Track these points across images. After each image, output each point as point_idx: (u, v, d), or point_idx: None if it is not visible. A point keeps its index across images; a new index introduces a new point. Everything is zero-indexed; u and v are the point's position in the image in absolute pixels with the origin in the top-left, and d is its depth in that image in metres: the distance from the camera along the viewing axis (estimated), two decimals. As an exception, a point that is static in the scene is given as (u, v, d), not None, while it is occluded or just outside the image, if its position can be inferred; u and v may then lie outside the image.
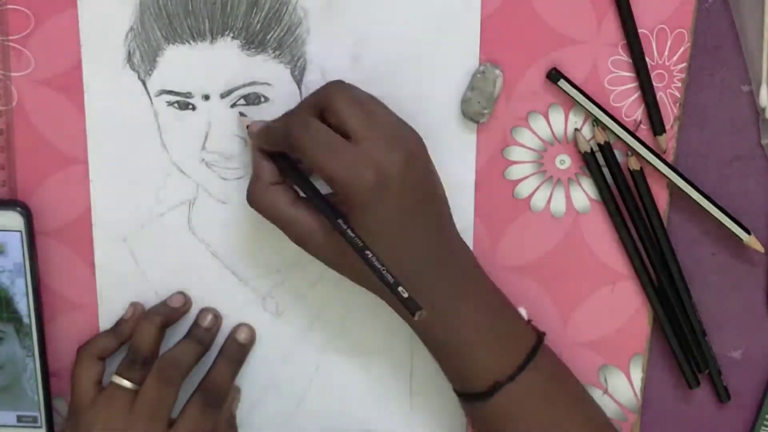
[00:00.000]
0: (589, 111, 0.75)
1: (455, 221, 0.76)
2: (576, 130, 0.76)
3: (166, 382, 0.74)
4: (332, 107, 0.69)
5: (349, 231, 0.67)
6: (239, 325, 0.80)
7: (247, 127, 0.74)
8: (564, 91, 0.74)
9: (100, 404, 0.75)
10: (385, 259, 0.67)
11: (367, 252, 0.67)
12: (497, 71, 0.75)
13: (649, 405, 0.82)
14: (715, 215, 0.76)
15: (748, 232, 0.76)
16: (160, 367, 0.75)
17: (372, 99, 0.71)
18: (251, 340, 0.80)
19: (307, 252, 0.72)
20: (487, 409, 0.73)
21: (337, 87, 0.70)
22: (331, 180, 0.67)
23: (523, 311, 0.78)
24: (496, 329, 0.73)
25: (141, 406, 0.74)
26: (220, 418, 0.78)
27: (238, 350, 0.79)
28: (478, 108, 0.75)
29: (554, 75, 0.74)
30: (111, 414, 0.75)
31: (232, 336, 0.80)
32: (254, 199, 0.72)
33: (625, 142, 0.75)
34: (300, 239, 0.71)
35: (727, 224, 0.76)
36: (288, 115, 0.72)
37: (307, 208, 0.71)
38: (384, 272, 0.67)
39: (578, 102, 0.74)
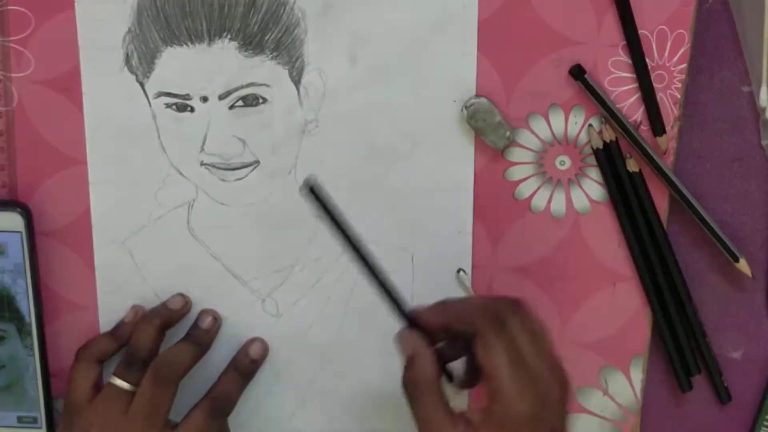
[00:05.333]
0: (611, 109, 0.74)
1: (454, 222, 0.76)
2: (590, 125, 0.76)
3: (162, 383, 0.74)
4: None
5: None
6: (253, 340, 0.80)
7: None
8: (587, 88, 0.74)
9: (97, 405, 0.76)
10: None
11: None
12: (483, 101, 0.75)
13: (650, 406, 0.82)
14: (713, 227, 0.77)
15: (737, 258, 0.77)
16: (156, 367, 0.75)
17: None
18: (263, 355, 0.80)
19: None
20: None
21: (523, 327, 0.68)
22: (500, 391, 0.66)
23: None
24: None
25: (137, 408, 0.74)
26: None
27: (248, 364, 0.80)
28: (501, 137, 0.75)
29: (577, 71, 0.74)
30: (108, 415, 0.75)
31: (244, 349, 0.80)
32: (414, 388, 0.69)
33: (644, 148, 0.75)
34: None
35: (719, 246, 0.77)
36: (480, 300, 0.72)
37: (459, 420, 0.68)
38: None
39: (600, 99, 0.74)
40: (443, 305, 0.70)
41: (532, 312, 0.70)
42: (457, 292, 0.79)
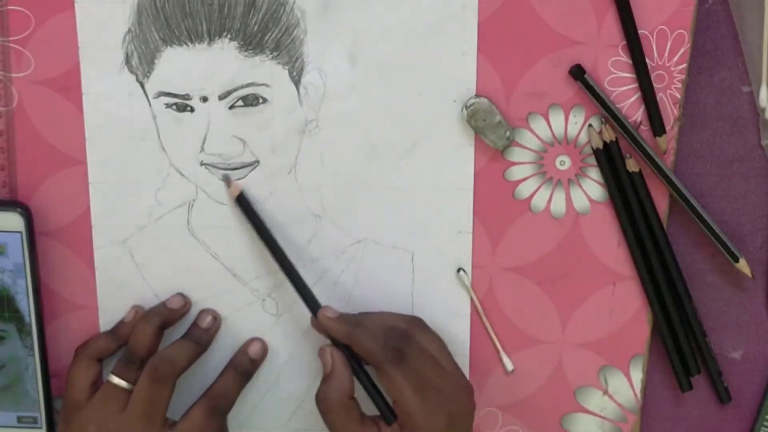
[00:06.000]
0: (611, 109, 0.74)
1: (454, 222, 0.76)
2: (590, 125, 0.76)
3: (159, 380, 0.74)
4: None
5: None
6: (252, 339, 0.80)
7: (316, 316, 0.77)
8: (587, 88, 0.74)
9: (96, 403, 0.76)
10: None
11: None
12: (483, 101, 0.75)
13: (650, 406, 0.82)
14: (713, 227, 0.77)
15: (737, 258, 0.77)
16: (153, 365, 0.75)
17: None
18: (263, 355, 0.81)
19: None
20: None
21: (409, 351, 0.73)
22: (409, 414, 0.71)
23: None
24: None
25: (134, 406, 0.74)
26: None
27: (247, 363, 0.80)
28: (501, 137, 0.75)
29: (577, 71, 0.74)
30: (106, 413, 0.75)
31: (243, 348, 0.80)
32: (328, 407, 0.74)
33: (645, 148, 0.75)
34: None
35: (719, 246, 0.77)
36: (381, 328, 0.75)
37: (371, 426, 0.74)
38: None
39: (600, 99, 0.74)
40: (351, 331, 0.74)
41: (430, 331, 0.76)
42: (457, 292, 0.79)
